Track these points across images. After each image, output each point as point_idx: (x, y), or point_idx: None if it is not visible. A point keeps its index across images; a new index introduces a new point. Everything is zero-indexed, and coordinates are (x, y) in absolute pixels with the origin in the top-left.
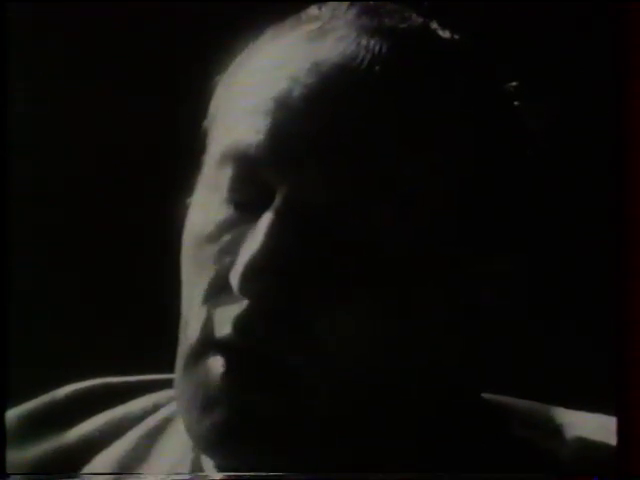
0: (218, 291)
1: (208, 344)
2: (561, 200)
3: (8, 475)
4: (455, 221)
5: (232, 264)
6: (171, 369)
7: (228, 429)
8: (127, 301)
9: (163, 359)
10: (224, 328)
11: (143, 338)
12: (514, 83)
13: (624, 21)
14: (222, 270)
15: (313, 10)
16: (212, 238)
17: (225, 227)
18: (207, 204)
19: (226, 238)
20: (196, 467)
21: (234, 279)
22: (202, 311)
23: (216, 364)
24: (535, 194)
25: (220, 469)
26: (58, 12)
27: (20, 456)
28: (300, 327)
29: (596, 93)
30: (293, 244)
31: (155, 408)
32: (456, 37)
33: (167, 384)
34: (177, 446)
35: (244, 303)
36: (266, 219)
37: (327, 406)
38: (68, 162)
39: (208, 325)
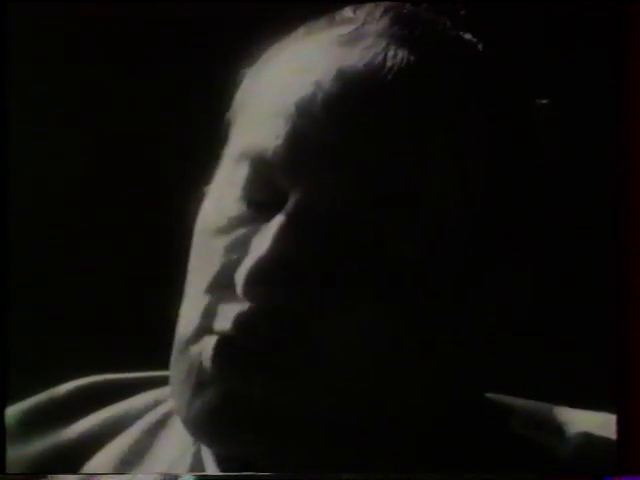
0: (222, 285)
1: (205, 331)
2: (562, 204)
3: None
4: (466, 229)
5: (238, 262)
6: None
7: (218, 410)
8: (127, 298)
9: (163, 356)
10: (224, 323)
11: (143, 335)
12: (544, 101)
13: (626, 28)
14: (228, 266)
15: (347, 12)
16: (222, 232)
17: (236, 223)
18: (222, 197)
19: (236, 234)
20: (197, 461)
21: (239, 281)
22: (203, 301)
23: (210, 345)
24: (541, 201)
25: (218, 458)
26: (61, 11)
27: (20, 453)
28: (303, 332)
29: (597, 103)
30: (301, 250)
31: (156, 404)
32: (489, 50)
33: (167, 381)
34: (178, 440)
35: (247, 303)
36: (276, 223)
37: (325, 403)
38: (71, 155)
39: (207, 315)
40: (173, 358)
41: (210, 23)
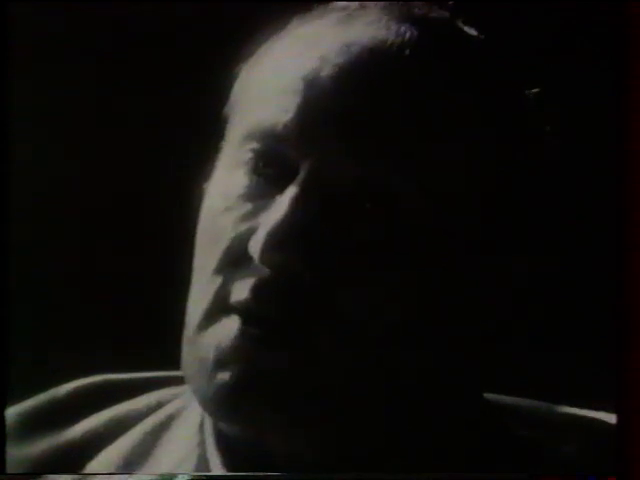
0: (234, 260)
1: (222, 309)
2: (564, 203)
3: None
4: (477, 199)
5: (249, 233)
6: (173, 366)
7: (238, 388)
8: (129, 298)
9: (165, 356)
10: (241, 294)
11: (145, 335)
12: (535, 90)
13: (627, 26)
14: (238, 239)
15: (340, 2)
16: (230, 208)
17: (245, 197)
18: (227, 181)
19: (245, 207)
20: (202, 464)
21: (255, 248)
22: (216, 278)
23: (231, 326)
24: (539, 195)
25: (224, 460)
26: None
27: (22, 454)
28: (319, 298)
29: (598, 98)
30: (316, 217)
31: (159, 405)
32: (481, 36)
33: (170, 381)
34: (182, 443)
35: (264, 271)
36: (290, 192)
37: (339, 377)
38: (72, 155)
39: (223, 291)
40: (186, 340)
41: (206, 22)
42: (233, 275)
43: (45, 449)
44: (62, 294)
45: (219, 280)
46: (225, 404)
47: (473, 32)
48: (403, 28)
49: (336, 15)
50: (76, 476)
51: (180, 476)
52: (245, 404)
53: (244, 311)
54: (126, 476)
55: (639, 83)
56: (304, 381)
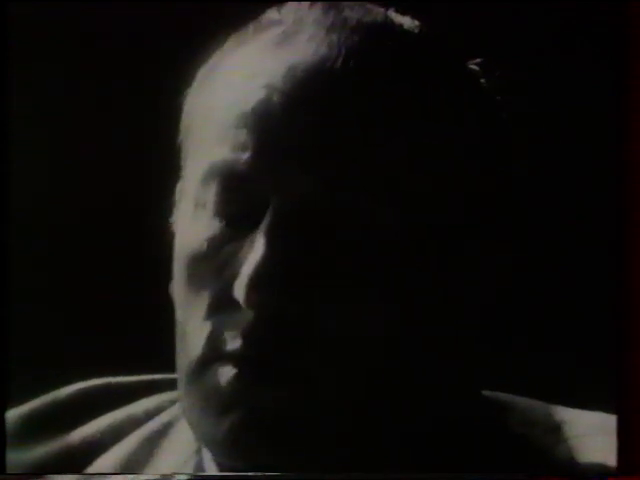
0: (221, 306)
1: (215, 357)
2: (564, 202)
3: None
4: (448, 216)
5: (232, 279)
6: (172, 369)
7: (244, 430)
8: (128, 300)
9: (165, 359)
10: (234, 342)
11: (144, 338)
12: (478, 60)
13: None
14: (223, 286)
15: (273, 14)
16: (206, 257)
17: (218, 244)
18: (196, 221)
19: (221, 255)
20: (199, 471)
21: (239, 292)
22: (205, 326)
23: (225, 370)
24: (538, 195)
25: (221, 468)
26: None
27: (21, 456)
28: (306, 331)
29: (598, 98)
30: (292, 251)
31: (157, 410)
32: (416, 22)
33: (169, 384)
34: (179, 450)
35: (250, 314)
36: (263, 231)
37: (332, 407)
38: (71, 157)
39: (214, 339)
40: (184, 388)
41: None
42: (221, 322)
43: (46, 452)
44: (62, 294)
45: (209, 328)
46: (234, 447)
47: (408, 21)
48: (343, 38)
49: (272, 33)
50: (77, 476)
51: (178, 477)
52: (254, 445)
53: (239, 358)
54: (126, 476)
55: (639, 83)
56: (306, 415)
